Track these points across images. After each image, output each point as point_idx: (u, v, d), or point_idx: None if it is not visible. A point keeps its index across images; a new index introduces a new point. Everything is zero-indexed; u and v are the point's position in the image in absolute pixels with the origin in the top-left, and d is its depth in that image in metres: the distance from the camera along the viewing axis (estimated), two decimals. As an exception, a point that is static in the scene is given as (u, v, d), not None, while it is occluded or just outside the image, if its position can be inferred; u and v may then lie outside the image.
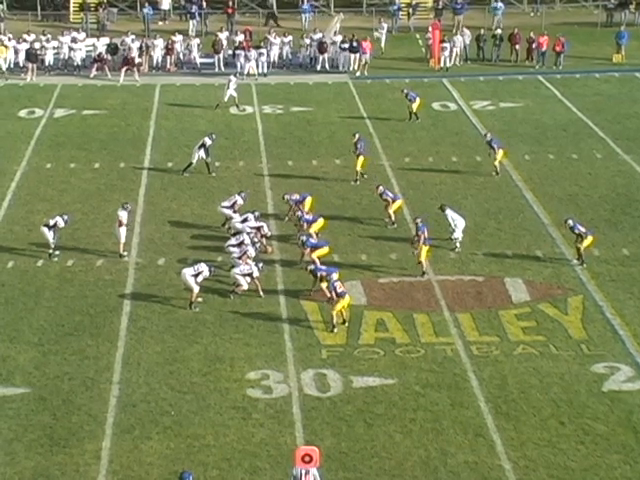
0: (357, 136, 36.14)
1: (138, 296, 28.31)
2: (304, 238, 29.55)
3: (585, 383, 24.44)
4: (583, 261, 29.78)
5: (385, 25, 52.30)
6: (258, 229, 30.14)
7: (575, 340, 26.22)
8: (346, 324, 26.65)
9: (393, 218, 32.01)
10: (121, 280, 29.07)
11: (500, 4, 55.74)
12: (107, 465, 21.56)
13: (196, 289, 27.36)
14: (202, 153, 36.31)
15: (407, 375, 24.73)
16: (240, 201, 31.42)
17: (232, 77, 44.17)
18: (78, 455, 21.86)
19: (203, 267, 27.48)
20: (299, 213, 31.18)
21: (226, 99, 43.43)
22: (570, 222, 29.87)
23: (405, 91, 42.18)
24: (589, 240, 29.66)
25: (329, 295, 27.10)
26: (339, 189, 34.82)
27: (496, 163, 35.91)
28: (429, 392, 24.09)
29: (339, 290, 26.52)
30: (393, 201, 32.03)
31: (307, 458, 19.70)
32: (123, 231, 30.05)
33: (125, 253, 30.20)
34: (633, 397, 23.87)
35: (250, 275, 27.72)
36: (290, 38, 50.20)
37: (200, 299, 27.56)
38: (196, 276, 27.37)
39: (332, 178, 35.78)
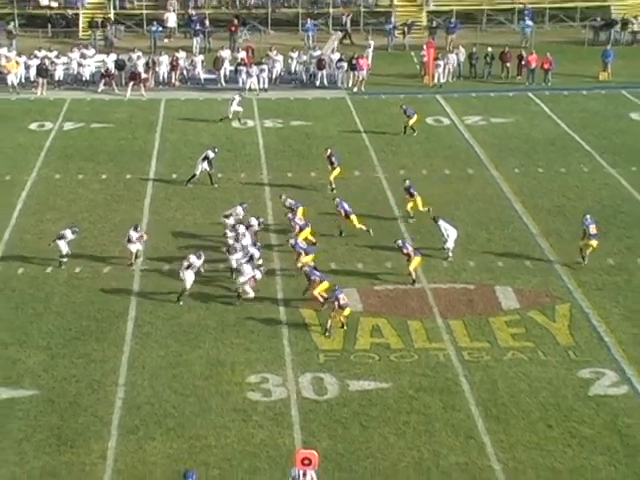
0: (329, 151, 36.23)
1: (143, 302, 28.32)
2: (292, 241, 29.70)
3: (572, 388, 24.46)
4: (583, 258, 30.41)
5: (372, 42, 52.29)
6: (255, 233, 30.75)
7: (562, 346, 26.25)
8: (344, 327, 26.70)
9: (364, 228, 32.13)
10: (127, 287, 29.09)
11: (529, 21, 55.76)
12: (112, 464, 21.60)
13: (188, 283, 28.05)
14: (205, 165, 36.30)
15: (401, 379, 24.75)
16: (240, 212, 31.43)
17: (236, 96, 44.20)
18: (85, 455, 21.88)
19: (191, 258, 28.18)
20: (290, 215, 31.41)
21: (230, 116, 43.51)
22: (588, 217, 30.45)
23: (404, 107, 42.22)
24: (594, 243, 30.15)
25: (321, 301, 27.32)
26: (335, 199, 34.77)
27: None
28: (422, 396, 24.11)
29: (342, 302, 26.49)
30: (347, 216, 31.85)
31: (306, 461, 19.73)
32: (132, 247, 30.19)
33: (133, 262, 30.29)
34: (618, 401, 23.90)
35: (254, 277, 27.89)
36: (294, 54, 50.25)
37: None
38: (187, 268, 27.98)
39: (328, 189, 35.76)
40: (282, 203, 32.69)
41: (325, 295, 27.65)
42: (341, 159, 36.40)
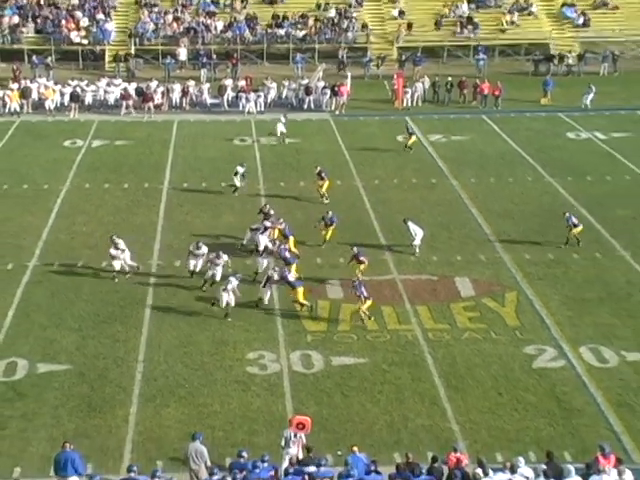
0: (319, 168, 35.89)
1: (159, 292, 28.26)
2: (282, 248, 29.04)
3: (518, 362, 24.53)
4: (567, 243, 31.18)
5: (349, 74, 52.08)
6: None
7: (510, 327, 26.29)
8: (370, 318, 26.35)
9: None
10: (145, 279, 29.02)
11: (483, 55, 55.74)
12: (134, 427, 21.65)
13: (224, 300, 26.53)
14: (240, 178, 36.16)
15: (376, 355, 24.78)
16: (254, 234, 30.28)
17: (282, 117, 44.04)
18: (111, 419, 21.92)
19: (231, 279, 26.81)
20: (282, 226, 30.64)
21: (278, 134, 43.09)
22: (567, 215, 31.49)
23: (408, 126, 42.14)
24: (579, 229, 31.21)
25: (305, 305, 26.75)
26: (322, 205, 34.74)
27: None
28: (393, 369, 24.15)
29: (365, 293, 26.22)
30: (286, 237, 30.45)
31: (301, 426, 19.80)
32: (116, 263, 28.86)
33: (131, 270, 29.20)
34: (556, 373, 24.00)
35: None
36: (285, 82, 50.17)
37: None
38: (225, 289, 26.62)
39: (316, 196, 35.70)
40: (261, 209, 32.07)
41: (303, 301, 26.97)
42: (327, 172, 36.23)
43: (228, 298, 26.52)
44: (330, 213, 31.59)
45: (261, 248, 29.53)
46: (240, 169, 36.45)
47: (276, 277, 27.13)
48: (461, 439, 21.17)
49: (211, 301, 27.28)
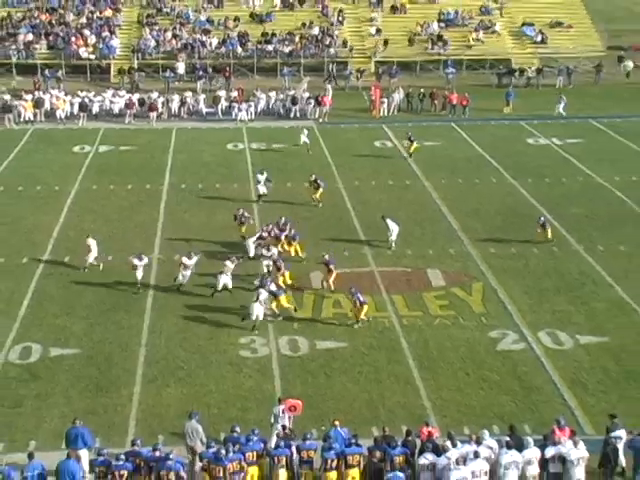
0: (314, 176, 35.26)
1: (160, 282, 28.16)
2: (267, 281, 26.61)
3: (484, 345, 24.59)
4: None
5: (329, 87, 51.81)
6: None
7: (477, 314, 26.35)
8: (368, 321, 25.50)
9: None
10: (147, 271, 28.88)
11: (452, 69, 55.66)
12: (137, 405, 21.63)
13: (255, 313, 25.07)
14: (263, 185, 35.05)
15: (356, 340, 24.78)
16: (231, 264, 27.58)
17: (305, 129, 43.05)
18: (116, 398, 21.87)
19: (261, 291, 25.56)
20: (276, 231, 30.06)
21: (301, 143, 42.18)
22: (541, 219, 31.43)
23: (409, 134, 41.56)
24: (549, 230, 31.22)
25: (280, 309, 25.82)
26: (307, 204, 34.72)
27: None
28: (372, 352, 24.15)
29: (362, 300, 25.34)
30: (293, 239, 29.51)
31: (293, 408, 19.87)
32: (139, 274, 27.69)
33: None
34: (518, 355, 24.08)
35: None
36: (273, 93, 50.01)
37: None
38: (257, 300, 25.21)
39: (301, 196, 35.65)
40: (235, 215, 31.16)
41: (288, 305, 26.14)
42: (323, 179, 35.68)
43: (258, 310, 25.09)
44: (288, 226, 30.08)
45: (251, 254, 29.10)
46: (261, 177, 35.13)
47: (263, 297, 25.42)
48: (432, 414, 21.23)
49: (226, 308, 27.12)
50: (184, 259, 27.50)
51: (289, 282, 27.38)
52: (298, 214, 33.38)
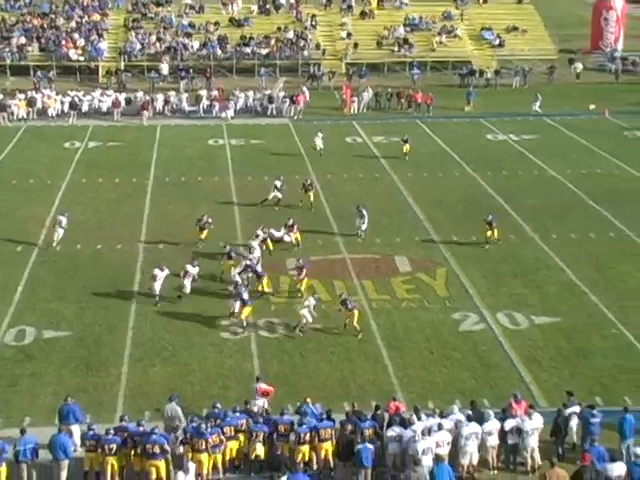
0: (309, 180, 34.36)
1: (146, 270, 27.85)
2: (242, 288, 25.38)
3: (447, 326, 24.67)
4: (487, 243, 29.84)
5: (304, 87, 51.48)
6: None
7: (441, 297, 26.42)
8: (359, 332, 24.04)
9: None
10: (134, 259, 28.75)
11: (417, 70, 55.51)
12: (125, 384, 21.53)
13: (304, 320, 23.91)
14: (276, 192, 33.21)
15: (329, 322, 24.76)
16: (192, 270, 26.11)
17: (319, 133, 41.04)
18: (105, 377, 21.76)
19: (310, 299, 24.43)
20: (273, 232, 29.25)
21: (317, 149, 40.14)
22: (490, 217, 29.94)
23: (405, 137, 40.30)
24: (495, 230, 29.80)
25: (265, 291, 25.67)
26: (285, 198, 34.31)
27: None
28: (344, 333, 24.13)
29: (350, 305, 24.02)
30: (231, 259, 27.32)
31: (266, 393, 19.90)
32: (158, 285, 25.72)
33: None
34: (478, 335, 24.19)
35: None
36: (251, 93, 49.75)
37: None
38: (306, 307, 24.05)
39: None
40: (198, 220, 29.78)
41: (268, 290, 25.87)
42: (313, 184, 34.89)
43: (307, 318, 24.03)
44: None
45: (257, 254, 27.55)
46: (278, 183, 33.60)
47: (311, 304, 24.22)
48: (399, 390, 21.27)
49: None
50: (188, 267, 26.05)
51: (267, 290, 26.17)
52: (276, 206, 33.29)
